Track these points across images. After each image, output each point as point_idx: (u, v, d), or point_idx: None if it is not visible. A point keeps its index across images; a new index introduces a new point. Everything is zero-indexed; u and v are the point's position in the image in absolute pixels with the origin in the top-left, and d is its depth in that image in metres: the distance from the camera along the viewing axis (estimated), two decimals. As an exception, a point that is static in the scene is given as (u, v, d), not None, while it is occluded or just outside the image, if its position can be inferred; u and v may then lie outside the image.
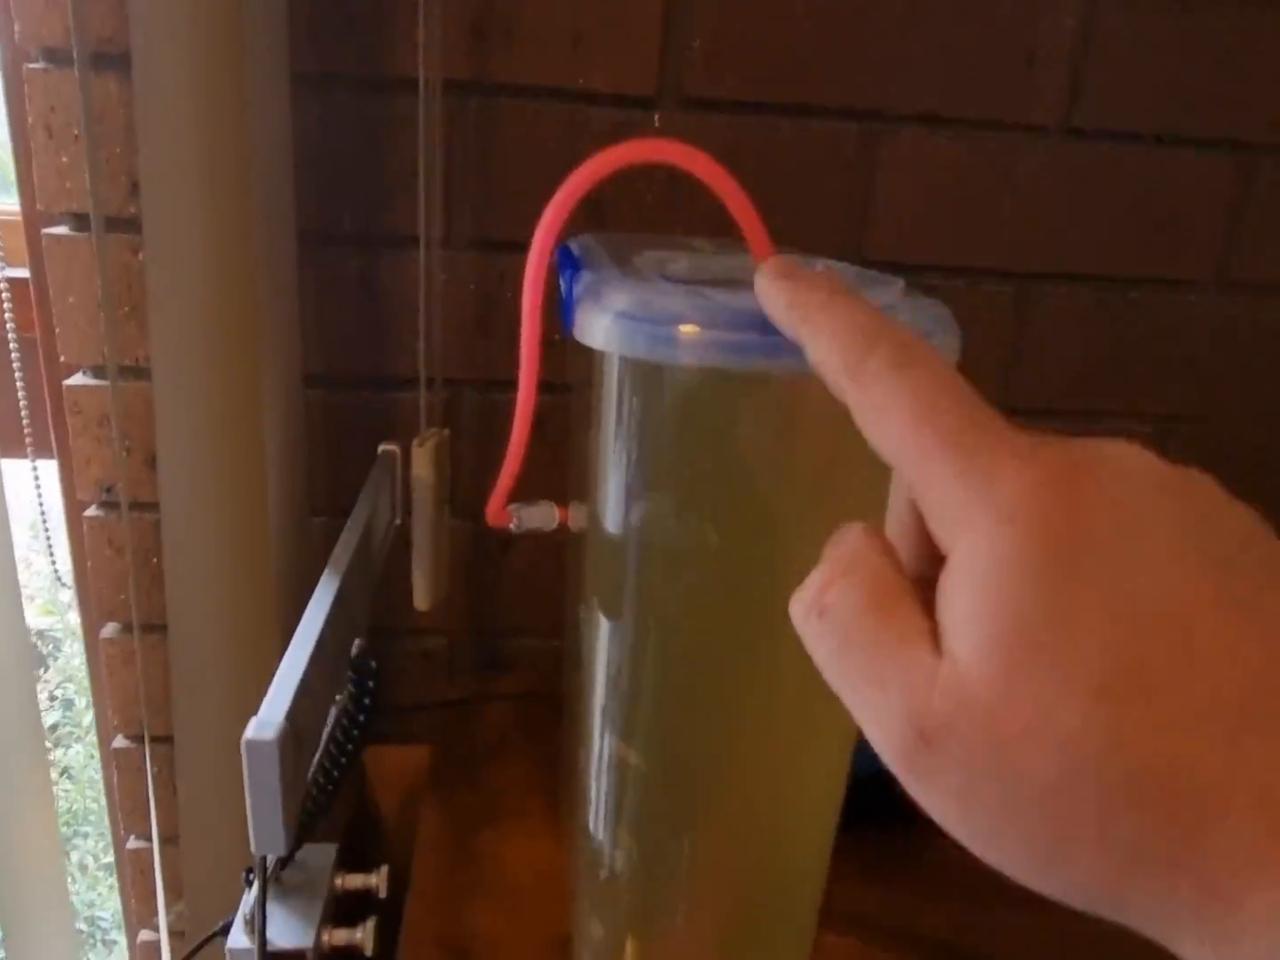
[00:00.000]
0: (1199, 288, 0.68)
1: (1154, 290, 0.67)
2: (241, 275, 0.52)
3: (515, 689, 0.65)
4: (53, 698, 1.74)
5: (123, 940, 0.80)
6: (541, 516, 0.50)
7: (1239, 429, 0.72)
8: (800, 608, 0.20)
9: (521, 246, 0.38)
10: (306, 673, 0.33)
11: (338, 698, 0.43)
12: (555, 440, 0.49)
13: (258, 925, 0.42)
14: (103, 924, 1.41)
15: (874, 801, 0.54)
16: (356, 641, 0.46)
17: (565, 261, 0.38)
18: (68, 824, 1.80)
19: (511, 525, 0.49)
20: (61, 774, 1.82)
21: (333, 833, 0.56)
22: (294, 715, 0.31)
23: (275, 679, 0.32)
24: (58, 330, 0.62)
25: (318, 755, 0.45)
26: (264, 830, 0.30)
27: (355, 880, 0.51)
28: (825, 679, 0.19)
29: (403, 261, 0.63)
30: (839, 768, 0.40)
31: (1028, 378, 0.69)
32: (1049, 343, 0.68)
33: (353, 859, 0.54)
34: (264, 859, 0.43)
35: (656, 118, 0.62)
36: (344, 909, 0.51)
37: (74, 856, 1.56)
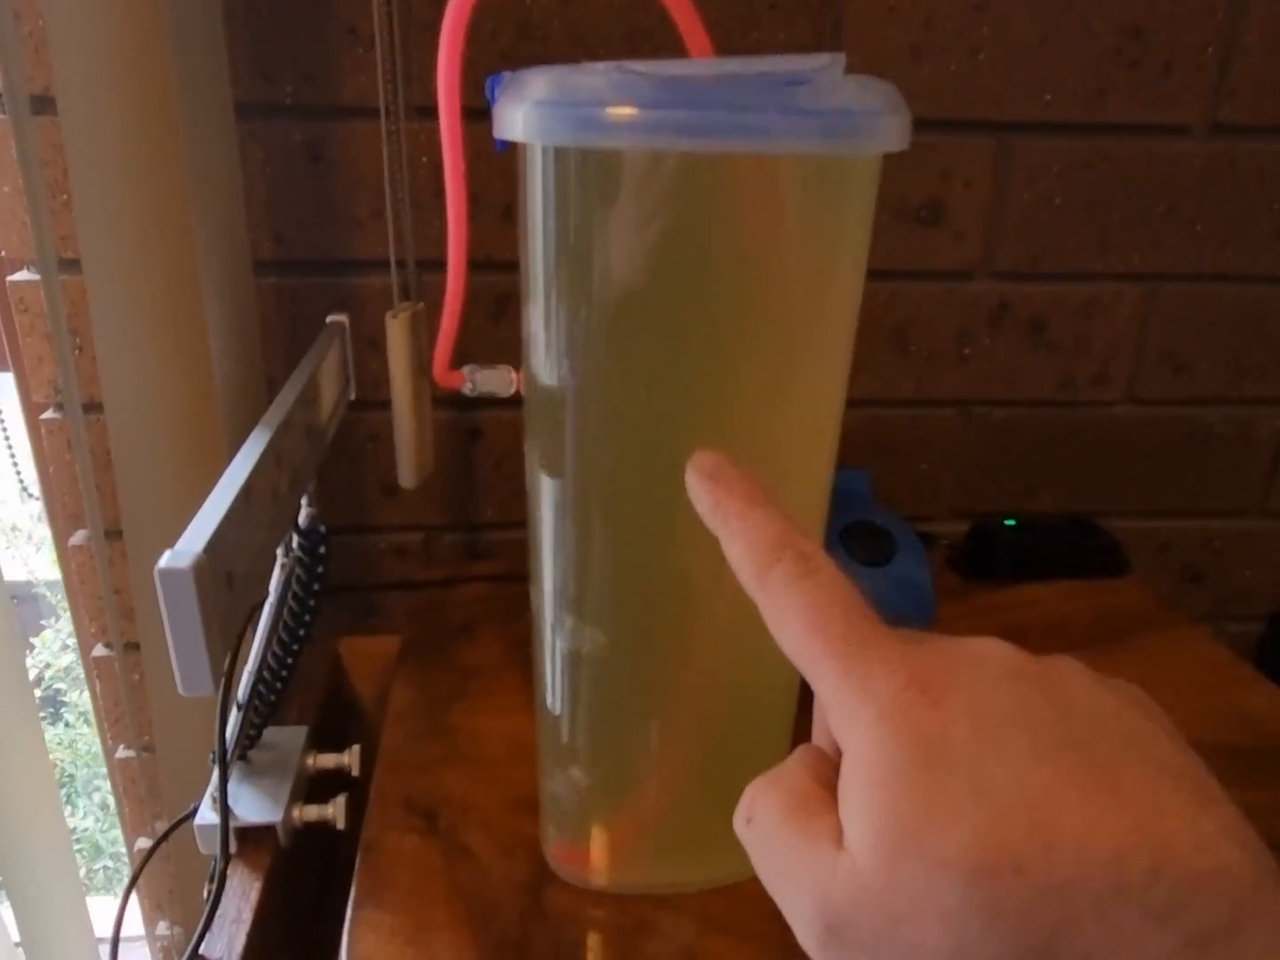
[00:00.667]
0: (1188, 133, 0.64)
1: (1141, 137, 0.64)
2: (166, 152, 0.49)
3: (490, 572, 0.64)
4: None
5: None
6: (497, 380, 0.48)
7: (1230, 287, 0.69)
8: (736, 818, 0.22)
9: (477, 114, 0.35)
10: (232, 513, 0.31)
11: (282, 561, 0.42)
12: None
13: (219, 796, 0.41)
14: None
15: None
16: (305, 510, 0.44)
17: (496, 83, 0.35)
18: (87, 765, 1.83)
19: (465, 388, 0.47)
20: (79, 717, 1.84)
21: (305, 718, 0.55)
22: (216, 551, 0.30)
23: (193, 520, 0.30)
24: (-7, 223, 0.60)
25: (269, 629, 0.43)
26: (189, 667, 0.29)
27: (327, 760, 0.51)
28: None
29: (352, 133, 0.59)
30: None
31: (1011, 239, 0.66)
32: (1032, 199, 0.65)
33: (329, 743, 0.54)
34: (223, 729, 0.42)
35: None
36: (318, 789, 0.51)
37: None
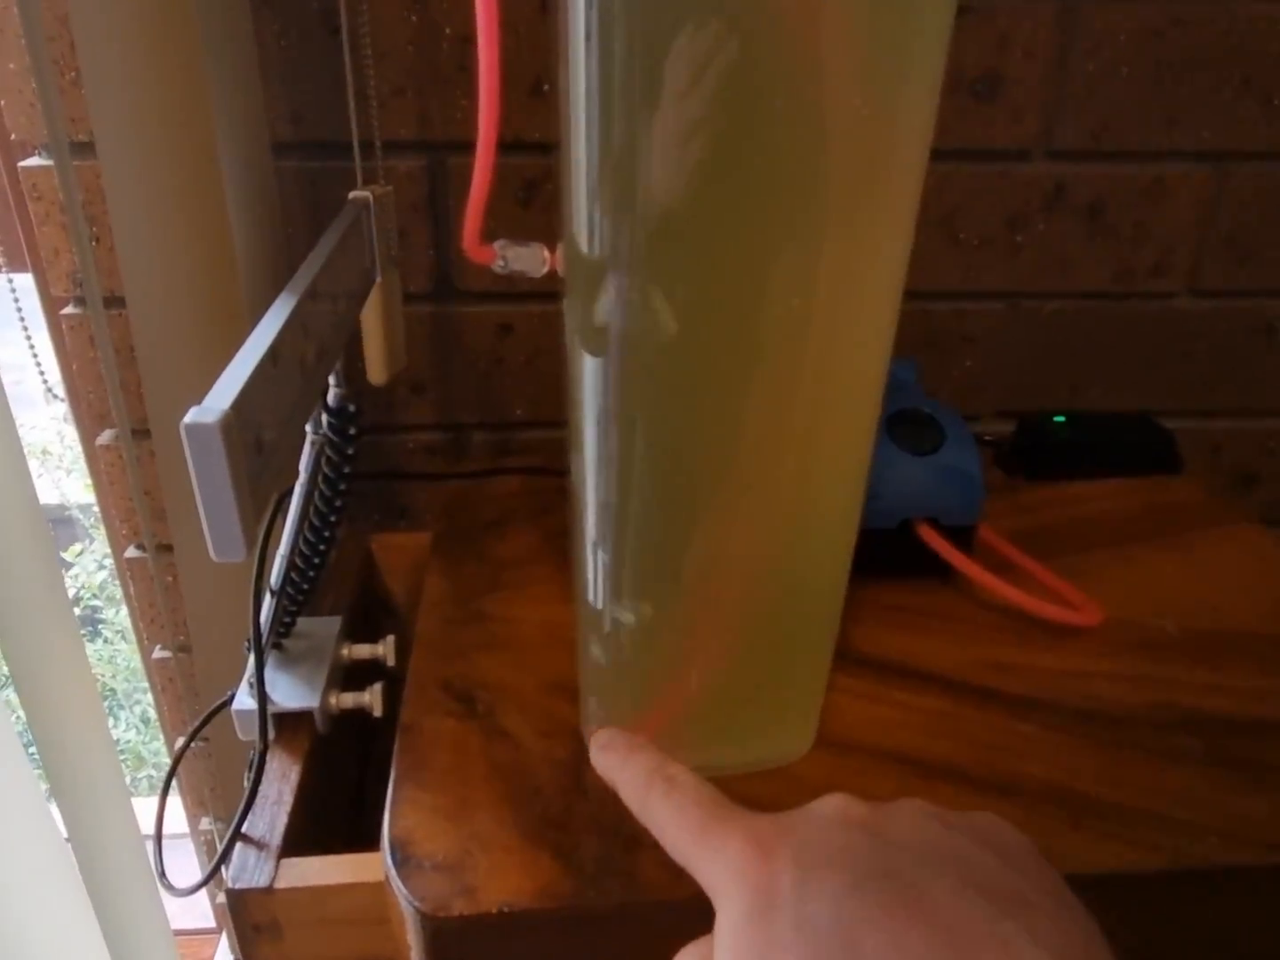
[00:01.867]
0: (1270, -7, 0.59)
1: (1218, 1, 0.59)
2: (178, 22, 0.46)
3: (523, 465, 0.62)
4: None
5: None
6: (530, 258, 0.46)
7: (1307, 165, 0.64)
8: None
9: None
10: (259, 375, 0.30)
11: (312, 438, 0.41)
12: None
13: (256, 679, 0.40)
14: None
15: (897, 553, 0.51)
16: (334, 390, 0.42)
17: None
18: (127, 680, 1.87)
19: (496, 265, 0.45)
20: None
21: (338, 611, 0.54)
22: (243, 410, 0.28)
23: (220, 377, 0.29)
24: (2, 103, 0.57)
25: (300, 514, 0.42)
26: (220, 529, 0.28)
27: (362, 650, 0.50)
28: None
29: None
30: (849, 509, 0.37)
31: (1072, 114, 0.62)
32: (1097, 70, 0.61)
33: (364, 634, 0.53)
34: (257, 612, 0.41)
35: None
36: (353, 679, 0.50)
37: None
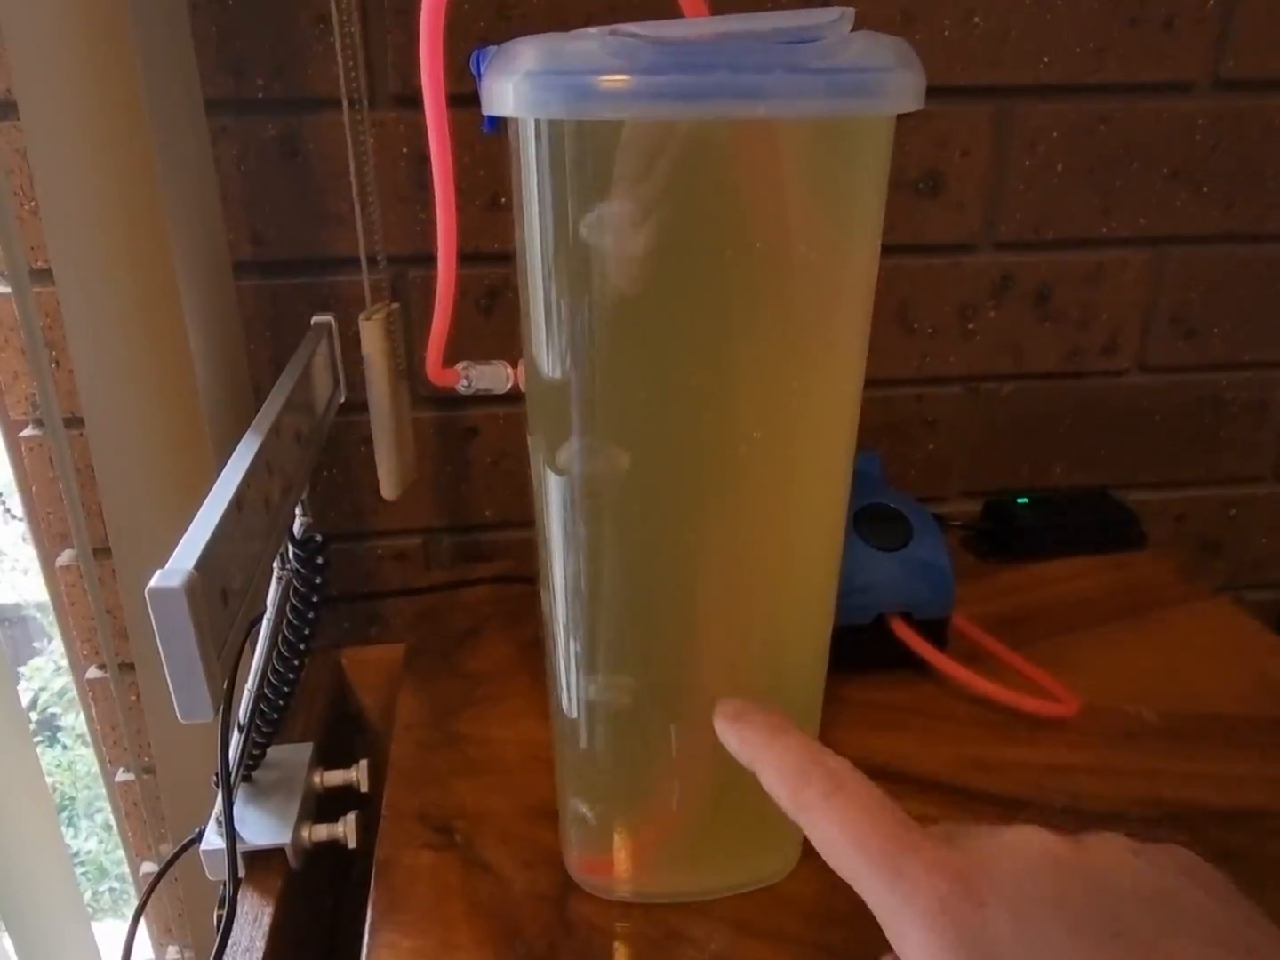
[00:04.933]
0: (1191, 90, 0.62)
1: (1143, 97, 0.62)
2: (135, 153, 0.47)
3: (492, 573, 0.62)
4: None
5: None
6: (493, 376, 0.46)
7: (1240, 248, 0.67)
8: None
9: (457, 100, 0.33)
10: (224, 525, 0.30)
11: (279, 573, 0.40)
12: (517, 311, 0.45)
13: (225, 821, 0.39)
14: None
15: (872, 648, 0.51)
16: (300, 519, 0.42)
17: (481, 58, 0.33)
18: (88, 787, 1.80)
19: (460, 385, 0.46)
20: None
21: (309, 734, 0.53)
22: (209, 566, 0.28)
23: (184, 535, 0.28)
24: (-39, 234, 0.57)
25: (269, 644, 0.42)
26: (186, 692, 0.27)
27: (335, 777, 0.49)
28: None
29: (328, 126, 0.57)
30: (822, 614, 0.37)
31: (1012, 207, 0.64)
32: (1033, 166, 0.63)
33: (335, 758, 0.52)
34: (225, 752, 0.40)
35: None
36: (327, 807, 0.49)
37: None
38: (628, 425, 0.30)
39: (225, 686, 0.39)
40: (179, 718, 0.27)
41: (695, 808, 0.38)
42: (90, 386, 0.52)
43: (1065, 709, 0.48)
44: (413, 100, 0.58)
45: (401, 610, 0.68)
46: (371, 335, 0.51)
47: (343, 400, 0.51)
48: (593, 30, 0.26)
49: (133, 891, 0.81)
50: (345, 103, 0.54)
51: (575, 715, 0.36)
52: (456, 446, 0.66)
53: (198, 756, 0.58)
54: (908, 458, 0.71)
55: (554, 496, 0.32)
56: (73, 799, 1.79)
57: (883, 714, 0.49)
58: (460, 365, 0.45)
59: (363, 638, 0.68)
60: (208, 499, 0.31)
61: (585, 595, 0.33)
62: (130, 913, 0.47)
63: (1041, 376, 0.70)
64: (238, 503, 0.32)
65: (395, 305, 0.54)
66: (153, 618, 0.26)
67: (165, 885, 0.74)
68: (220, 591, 0.30)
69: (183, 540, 0.28)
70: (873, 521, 0.52)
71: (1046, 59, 0.61)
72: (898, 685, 0.51)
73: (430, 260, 0.61)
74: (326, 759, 0.52)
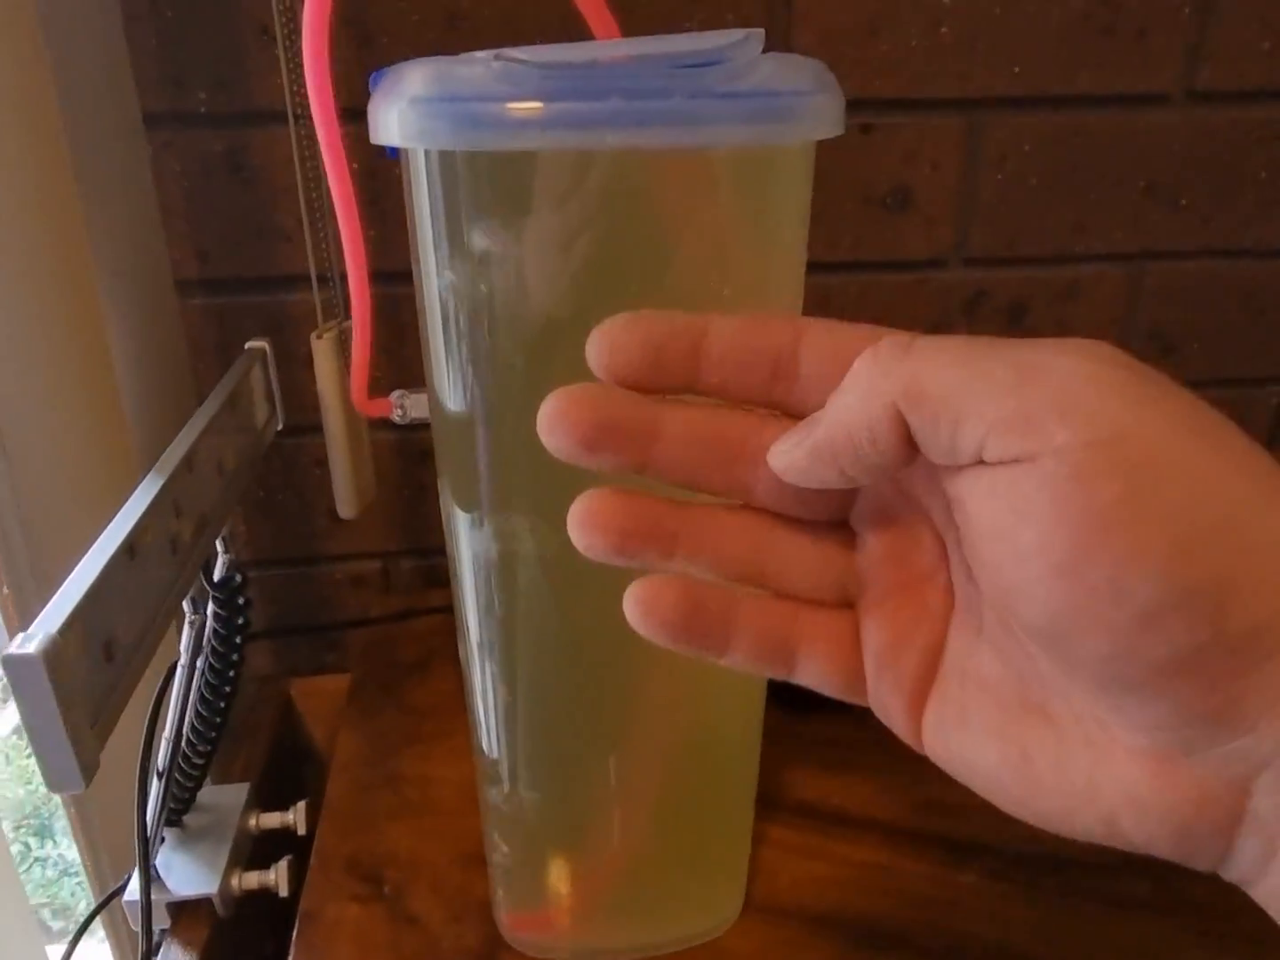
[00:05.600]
0: (1166, 102, 0.61)
1: (1117, 109, 0.60)
2: (52, 169, 0.45)
3: (444, 602, 0.60)
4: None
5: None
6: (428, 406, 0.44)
7: (1218, 263, 0.65)
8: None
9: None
10: (109, 575, 0.28)
11: (191, 617, 0.38)
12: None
13: (141, 881, 0.38)
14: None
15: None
16: (222, 556, 0.40)
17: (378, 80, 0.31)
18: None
19: (394, 415, 0.44)
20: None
21: (251, 770, 0.52)
22: (83, 624, 0.26)
23: (59, 589, 0.27)
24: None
25: (184, 689, 0.40)
26: (53, 764, 0.25)
27: (271, 819, 0.47)
28: None
29: (273, 140, 0.56)
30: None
31: (984, 223, 0.62)
32: (1005, 180, 0.62)
33: (277, 797, 0.50)
34: (143, 806, 0.38)
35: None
36: (264, 850, 0.47)
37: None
38: (535, 487, 0.29)
39: (145, 729, 0.37)
40: (48, 789, 0.26)
41: (631, 854, 0.36)
42: (11, 411, 0.49)
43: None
44: (359, 113, 0.56)
45: (358, 636, 0.66)
46: (324, 354, 0.49)
47: (280, 427, 0.49)
48: (480, 54, 0.24)
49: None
50: (290, 117, 0.52)
51: (497, 755, 0.34)
52: (415, 468, 0.64)
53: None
54: (879, 477, 0.69)
55: (463, 537, 0.31)
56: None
57: (835, 751, 0.47)
58: (394, 395, 0.43)
59: (319, 664, 0.67)
60: (94, 547, 0.29)
61: (499, 645, 0.32)
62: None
63: (1017, 394, 0.68)
64: (129, 549, 0.30)
65: (348, 323, 0.52)
66: (11, 686, 0.24)
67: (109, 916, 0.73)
68: (102, 646, 0.28)
69: (55, 596, 0.26)
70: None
71: (1017, 69, 0.59)
72: (853, 720, 0.49)
73: (384, 276, 0.59)
74: (271, 795, 0.50)
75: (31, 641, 0.24)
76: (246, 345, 0.49)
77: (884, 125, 0.59)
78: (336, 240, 0.55)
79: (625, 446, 0.18)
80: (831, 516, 0.20)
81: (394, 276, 0.55)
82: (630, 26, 0.54)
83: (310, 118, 0.52)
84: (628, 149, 0.24)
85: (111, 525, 0.30)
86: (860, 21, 0.57)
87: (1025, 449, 0.15)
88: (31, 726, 0.25)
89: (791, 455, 0.18)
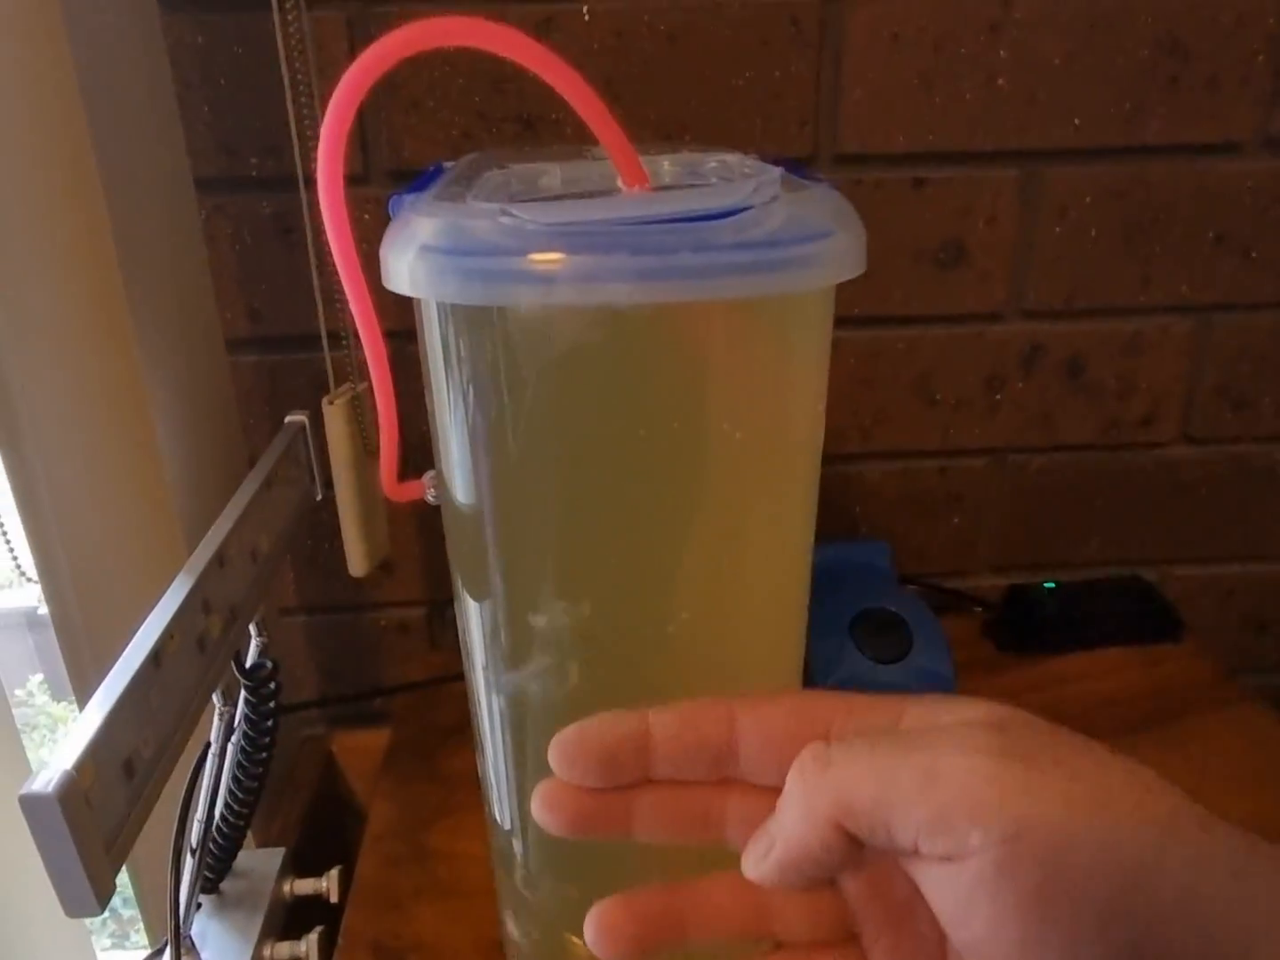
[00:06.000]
0: (1238, 151, 0.58)
1: (1184, 159, 0.58)
2: (94, 241, 0.45)
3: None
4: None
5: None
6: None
7: (1297, 312, 0.62)
8: (808, 760, 0.19)
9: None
10: (132, 691, 0.29)
11: (220, 710, 0.39)
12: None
13: (171, 951, 0.38)
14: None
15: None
16: (254, 642, 0.41)
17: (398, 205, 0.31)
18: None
19: (428, 497, 0.44)
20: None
21: (289, 831, 0.52)
22: (102, 750, 0.27)
23: (79, 719, 0.27)
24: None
25: (216, 774, 0.41)
26: (68, 893, 0.26)
27: (305, 886, 0.48)
28: None
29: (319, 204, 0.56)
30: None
31: (1041, 276, 0.60)
32: (1064, 232, 0.59)
33: (317, 854, 0.51)
34: (175, 896, 0.39)
35: (585, 9, 0.54)
36: (298, 915, 0.48)
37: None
38: (541, 577, 0.28)
39: (178, 814, 0.38)
40: (65, 913, 0.26)
41: None
42: (57, 480, 0.49)
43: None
44: (408, 174, 0.57)
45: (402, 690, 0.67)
46: (335, 418, 0.50)
47: (319, 498, 0.50)
48: (489, 206, 0.24)
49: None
50: (301, 182, 0.52)
51: (509, 827, 0.34)
52: (457, 519, 0.65)
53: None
54: (930, 533, 0.67)
55: (472, 620, 0.31)
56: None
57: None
58: (426, 476, 0.43)
59: (363, 711, 0.68)
60: (117, 664, 0.30)
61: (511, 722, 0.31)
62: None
63: (1075, 449, 0.66)
64: (155, 659, 0.30)
65: (362, 387, 0.53)
66: (27, 824, 0.25)
67: None
68: (122, 766, 0.28)
69: (74, 725, 0.27)
70: (871, 630, 0.49)
71: (1078, 121, 0.57)
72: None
73: (409, 335, 0.59)
74: (309, 854, 0.51)
75: (48, 781, 0.25)
76: (285, 419, 0.49)
77: (936, 179, 0.58)
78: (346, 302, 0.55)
79: (604, 828, 0.21)
80: (837, 871, 0.21)
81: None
82: (681, 81, 0.54)
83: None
84: (635, 304, 0.23)
85: (137, 637, 0.31)
86: (912, 76, 0.55)
87: (949, 850, 0.17)
88: (47, 860, 0.26)
89: (761, 869, 0.20)
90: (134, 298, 0.45)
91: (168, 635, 0.31)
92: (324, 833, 0.56)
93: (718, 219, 0.23)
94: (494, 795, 0.34)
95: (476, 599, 0.31)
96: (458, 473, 0.28)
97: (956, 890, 0.17)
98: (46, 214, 0.43)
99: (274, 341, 0.60)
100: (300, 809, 0.54)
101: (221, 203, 0.57)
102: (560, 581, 0.28)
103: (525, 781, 0.33)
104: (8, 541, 0.65)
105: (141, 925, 0.62)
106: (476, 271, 0.23)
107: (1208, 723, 0.54)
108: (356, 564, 0.54)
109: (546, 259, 0.23)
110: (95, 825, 0.26)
